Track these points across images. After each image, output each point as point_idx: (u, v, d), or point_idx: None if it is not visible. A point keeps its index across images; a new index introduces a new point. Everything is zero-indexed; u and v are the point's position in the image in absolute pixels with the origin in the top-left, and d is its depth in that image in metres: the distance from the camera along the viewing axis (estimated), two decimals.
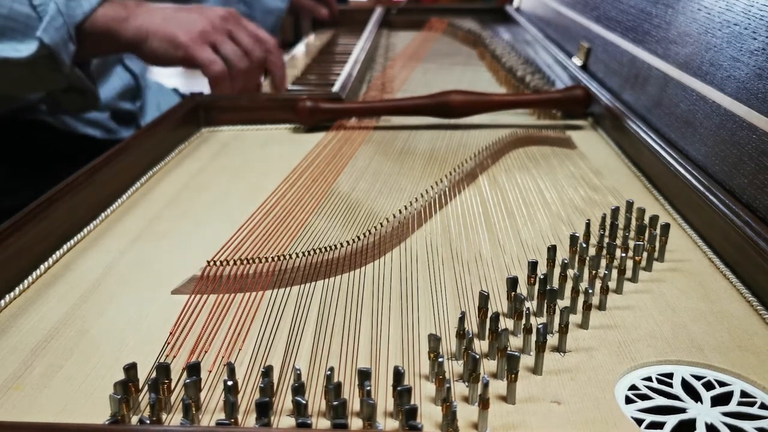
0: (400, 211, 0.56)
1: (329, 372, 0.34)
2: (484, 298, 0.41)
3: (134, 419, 0.34)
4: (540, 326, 0.38)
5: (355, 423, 0.34)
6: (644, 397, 0.36)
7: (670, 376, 0.38)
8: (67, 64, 0.78)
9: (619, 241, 0.51)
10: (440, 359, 0.35)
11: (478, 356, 0.35)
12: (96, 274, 0.49)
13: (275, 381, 0.36)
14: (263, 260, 0.49)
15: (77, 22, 0.77)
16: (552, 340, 0.40)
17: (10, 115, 0.96)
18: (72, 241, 0.53)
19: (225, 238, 0.53)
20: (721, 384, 0.38)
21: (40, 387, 0.37)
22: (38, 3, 0.74)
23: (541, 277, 0.43)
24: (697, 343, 0.41)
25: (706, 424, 0.35)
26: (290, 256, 0.49)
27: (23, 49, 0.74)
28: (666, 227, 0.50)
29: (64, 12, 0.75)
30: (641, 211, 0.53)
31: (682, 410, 0.36)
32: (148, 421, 0.33)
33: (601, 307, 0.44)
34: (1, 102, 0.92)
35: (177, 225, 0.57)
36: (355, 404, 0.35)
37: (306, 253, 0.50)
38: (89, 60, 0.88)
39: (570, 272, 0.46)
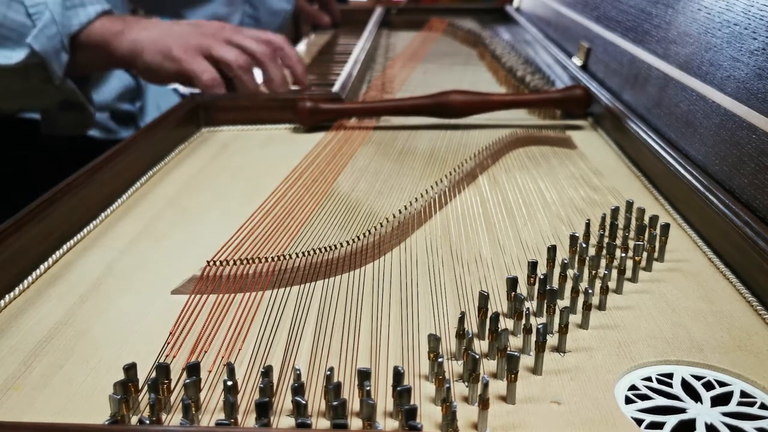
0: (400, 211, 0.56)
1: (329, 372, 0.34)
2: (483, 298, 0.41)
3: (134, 419, 0.34)
4: (540, 326, 0.38)
5: (355, 423, 0.34)
6: (644, 398, 0.36)
7: (670, 376, 0.38)
8: (59, 75, 0.77)
9: (619, 241, 0.51)
10: (440, 359, 0.35)
11: (478, 356, 0.35)
12: (96, 274, 0.49)
13: (275, 381, 0.36)
14: (263, 260, 0.49)
15: (72, 32, 0.77)
16: (552, 340, 0.40)
17: (10, 115, 0.96)
18: (72, 241, 0.53)
19: (225, 238, 0.53)
20: (721, 384, 0.38)
21: (40, 387, 0.37)
22: (33, 12, 0.74)
23: (541, 277, 0.43)
24: (697, 343, 0.41)
25: (706, 424, 0.35)
26: (290, 256, 0.49)
27: (14, 56, 0.74)
28: (666, 227, 0.50)
29: (59, 21, 0.75)
30: (641, 211, 0.53)
31: (682, 410, 0.36)
32: (147, 421, 0.33)
33: (601, 307, 0.44)
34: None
35: (177, 225, 0.57)
36: (354, 404, 0.35)
37: (306, 253, 0.50)
38: (87, 75, 0.87)
39: (570, 272, 0.46)
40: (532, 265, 0.45)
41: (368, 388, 0.33)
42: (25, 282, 0.47)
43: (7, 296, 0.45)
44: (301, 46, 1.40)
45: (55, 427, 0.32)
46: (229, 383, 0.33)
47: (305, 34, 1.50)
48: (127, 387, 0.34)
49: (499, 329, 0.38)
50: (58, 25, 0.75)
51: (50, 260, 0.50)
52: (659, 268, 0.50)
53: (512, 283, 0.43)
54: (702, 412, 0.36)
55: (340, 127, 0.82)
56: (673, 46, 0.70)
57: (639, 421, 0.35)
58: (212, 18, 1.21)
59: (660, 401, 0.36)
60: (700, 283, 0.47)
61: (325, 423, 0.34)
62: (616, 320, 0.43)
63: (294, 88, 0.93)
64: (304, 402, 0.33)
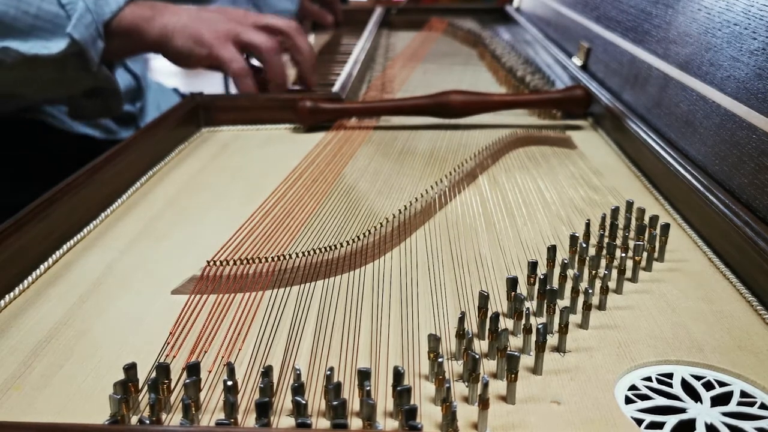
0: (400, 211, 0.56)
1: (329, 372, 0.34)
2: (483, 298, 0.41)
3: (134, 419, 0.34)
4: (540, 326, 0.38)
5: (355, 423, 0.34)
6: (644, 397, 0.37)
7: (669, 376, 0.38)
8: (96, 62, 0.79)
9: (619, 241, 0.51)
10: (440, 359, 0.35)
11: (478, 356, 0.35)
12: (96, 274, 0.49)
13: (275, 381, 0.36)
14: (263, 260, 0.49)
15: (105, 19, 0.79)
16: (552, 340, 0.40)
17: (10, 115, 0.96)
18: (72, 241, 0.53)
19: (225, 238, 0.53)
20: (721, 384, 0.38)
21: (40, 387, 0.37)
22: (66, 2, 0.75)
23: (541, 277, 0.43)
24: (697, 343, 0.41)
25: (706, 424, 0.35)
26: (290, 256, 0.49)
27: (52, 47, 0.75)
28: (666, 227, 0.50)
29: (92, 10, 0.77)
30: (641, 211, 0.53)
31: (682, 410, 0.36)
32: (147, 421, 0.33)
33: (601, 307, 0.44)
34: (4, 102, 0.92)
35: (177, 225, 0.57)
36: (354, 404, 0.35)
37: (306, 253, 0.50)
38: (115, 63, 0.88)
39: (570, 272, 0.46)
40: (532, 265, 0.45)
41: (368, 388, 0.33)
42: (25, 282, 0.47)
43: (7, 296, 0.45)
44: None
45: (55, 427, 0.32)
46: (229, 383, 0.33)
47: (306, 32, 1.50)
48: (127, 387, 0.34)
49: (499, 329, 0.38)
50: (92, 14, 0.76)
51: (50, 260, 0.50)
52: (659, 268, 0.50)
53: (512, 283, 0.43)
54: (702, 412, 0.36)
55: (340, 127, 0.82)
56: (673, 46, 0.70)
57: (639, 421, 0.35)
58: None
59: (660, 401, 0.36)
60: (700, 283, 0.47)
61: (325, 423, 0.34)
62: (616, 320, 0.43)
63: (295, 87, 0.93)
64: (304, 402, 0.33)
